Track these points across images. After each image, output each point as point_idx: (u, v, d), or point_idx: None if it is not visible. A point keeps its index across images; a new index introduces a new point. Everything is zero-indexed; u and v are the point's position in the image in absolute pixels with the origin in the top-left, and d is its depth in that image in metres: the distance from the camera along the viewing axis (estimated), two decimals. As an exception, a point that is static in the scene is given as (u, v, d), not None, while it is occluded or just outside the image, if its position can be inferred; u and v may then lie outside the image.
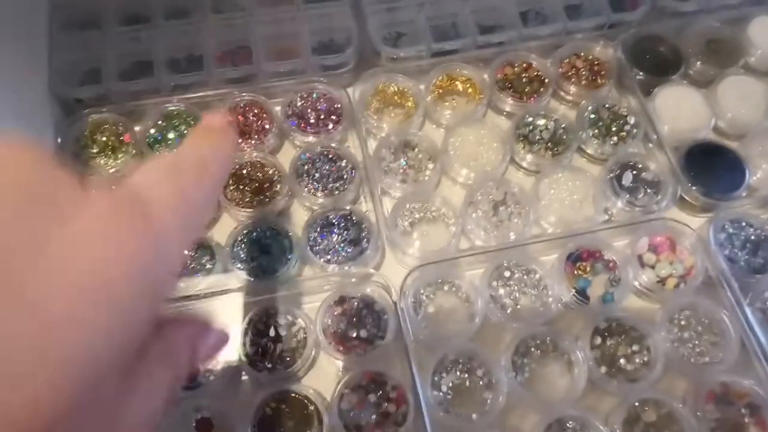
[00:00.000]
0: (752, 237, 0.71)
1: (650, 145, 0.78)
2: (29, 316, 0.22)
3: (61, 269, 0.23)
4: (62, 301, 0.23)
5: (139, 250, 0.26)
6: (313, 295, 0.66)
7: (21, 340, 0.22)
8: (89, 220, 0.25)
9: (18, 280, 0.22)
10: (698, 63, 0.83)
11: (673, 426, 0.60)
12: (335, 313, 0.64)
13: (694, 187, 0.73)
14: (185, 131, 0.74)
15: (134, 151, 0.73)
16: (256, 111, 0.77)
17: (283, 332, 0.63)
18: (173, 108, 0.75)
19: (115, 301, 0.24)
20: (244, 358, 0.61)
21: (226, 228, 0.70)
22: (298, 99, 0.78)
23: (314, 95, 0.78)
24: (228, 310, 0.63)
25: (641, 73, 0.81)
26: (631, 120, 0.78)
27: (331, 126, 0.76)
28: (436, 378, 0.62)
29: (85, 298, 0.23)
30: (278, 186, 0.72)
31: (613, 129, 0.78)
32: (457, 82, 0.82)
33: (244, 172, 0.73)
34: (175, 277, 0.29)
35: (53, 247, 0.23)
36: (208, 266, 0.66)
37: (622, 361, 0.63)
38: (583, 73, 0.82)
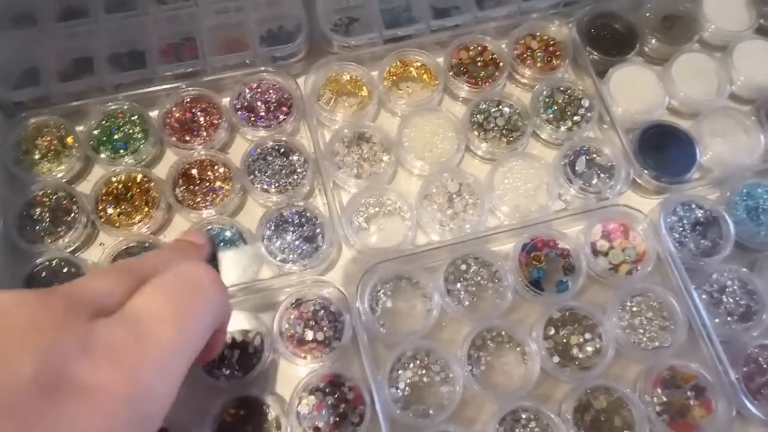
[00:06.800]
0: (701, 219, 0.72)
1: (605, 127, 0.78)
2: None
3: (98, 403, 0.29)
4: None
5: (146, 375, 0.32)
6: (269, 299, 0.66)
7: None
8: (109, 353, 0.31)
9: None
10: (653, 40, 0.83)
11: (623, 411, 0.62)
12: (292, 316, 0.64)
13: (645, 171, 0.73)
14: (130, 131, 0.72)
15: (78, 155, 0.70)
16: (203, 106, 0.74)
17: (239, 338, 0.63)
18: (116, 107, 0.73)
19: (136, 417, 0.31)
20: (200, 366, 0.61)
21: (177, 231, 0.69)
22: (247, 90, 0.76)
23: (263, 86, 0.76)
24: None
25: (595, 53, 0.81)
26: (586, 103, 0.78)
27: (281, 117, 0.75)
28: (393, 375, 0.63)
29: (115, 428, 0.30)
30: (229, 184, 0.71)
31: (568, 113, 0.77)
32: (411, 68, 0.80)
33: (194, 171, 0.71)
34: (176, 388, 0.35)
35: (85, 379, 0.29)
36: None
37: (574, 350, 0.65)
38: (539, 54, 0.81)
